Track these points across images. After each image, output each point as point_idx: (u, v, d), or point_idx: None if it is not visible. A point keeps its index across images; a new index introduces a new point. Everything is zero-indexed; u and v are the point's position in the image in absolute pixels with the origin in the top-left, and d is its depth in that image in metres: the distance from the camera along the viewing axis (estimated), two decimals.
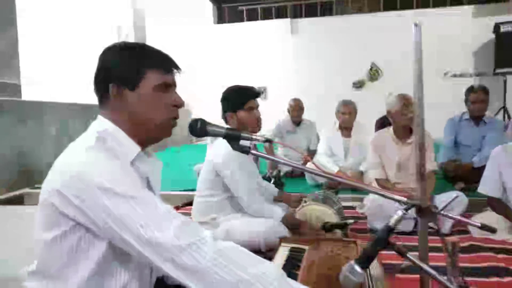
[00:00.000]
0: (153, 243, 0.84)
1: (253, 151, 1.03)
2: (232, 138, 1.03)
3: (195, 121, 1.06)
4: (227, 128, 1.04)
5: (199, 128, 1.05)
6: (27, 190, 3.98)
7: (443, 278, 0.80)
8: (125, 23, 6.79)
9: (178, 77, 1.11)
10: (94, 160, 0.90)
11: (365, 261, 0.84)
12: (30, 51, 4.69)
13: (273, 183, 2.94)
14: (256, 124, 2.24)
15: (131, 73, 1.01)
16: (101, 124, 1.02)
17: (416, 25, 0.85)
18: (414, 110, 0.90)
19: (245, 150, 1.02)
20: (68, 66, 5.33)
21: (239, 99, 2.22)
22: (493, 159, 2.47)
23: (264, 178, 2.90)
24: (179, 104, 1.08)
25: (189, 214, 2.44)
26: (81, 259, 0.93)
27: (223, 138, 1.04)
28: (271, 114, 4.25)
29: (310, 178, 4.08)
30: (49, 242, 0.93)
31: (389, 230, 0.84)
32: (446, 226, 2.57)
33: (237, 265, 0.85)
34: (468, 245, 2.30)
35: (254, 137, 1.03)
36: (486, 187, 2.48)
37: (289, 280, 0.89)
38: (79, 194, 0.87)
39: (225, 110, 2.27)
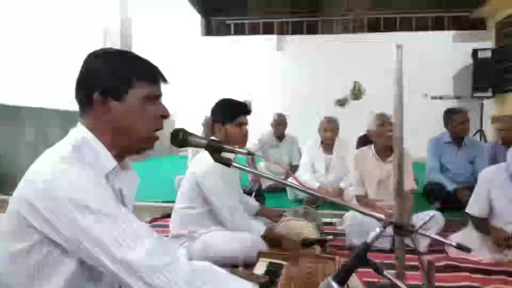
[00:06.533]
0: (125, 262, 0.82)
1: (234, 164, 1.01)
2: (214, 150, 1.01)
3: (177, 131, 1.04)
4: (209, 139, 1.03)
5: (181, 139, 1.04)
6: (1, 196, 3.85)
7: None
8: (111, 30, 6.74)
9: (163, 87, 1.09)
10: (67, 172, 0.86)
11: (342, 278, 0.84)
12: (8, 53, 4.58)
13: (254, 197, 2.93)
14: (243, 141, 2.22)
15: (118, 83, 0.98)
16: (79, 132, 0.98)
17: (398, 46, 0.87)
18: (394, 129, 0.92)
19: (226, 162, 1.00)
20: (47, 71, 5.21)
21: (230, 113, 2.19)
22: (482, 181, 2.49)
23: (244, 192, 2.89)
24: (165, 115, 1.05)
25: (167, 226, 2.40)
26: (48, 275, 0.88)
27: (205, 149, 1.02)
28: (255, 128, 4.26)
29: (291, 193, 4.08)
30: (15, 254, 0.88)
31: (367, 246, 0.84)
32: (423, 244, 2.59)
33: (211, 285, 0.84)
34: (444, 264, 2.33)
35: (236, 149, 1.02)
36: (475, 209, 2.50)
37: None
38: (50, 206, 0.83)
39: (214, 120, 2.24)
